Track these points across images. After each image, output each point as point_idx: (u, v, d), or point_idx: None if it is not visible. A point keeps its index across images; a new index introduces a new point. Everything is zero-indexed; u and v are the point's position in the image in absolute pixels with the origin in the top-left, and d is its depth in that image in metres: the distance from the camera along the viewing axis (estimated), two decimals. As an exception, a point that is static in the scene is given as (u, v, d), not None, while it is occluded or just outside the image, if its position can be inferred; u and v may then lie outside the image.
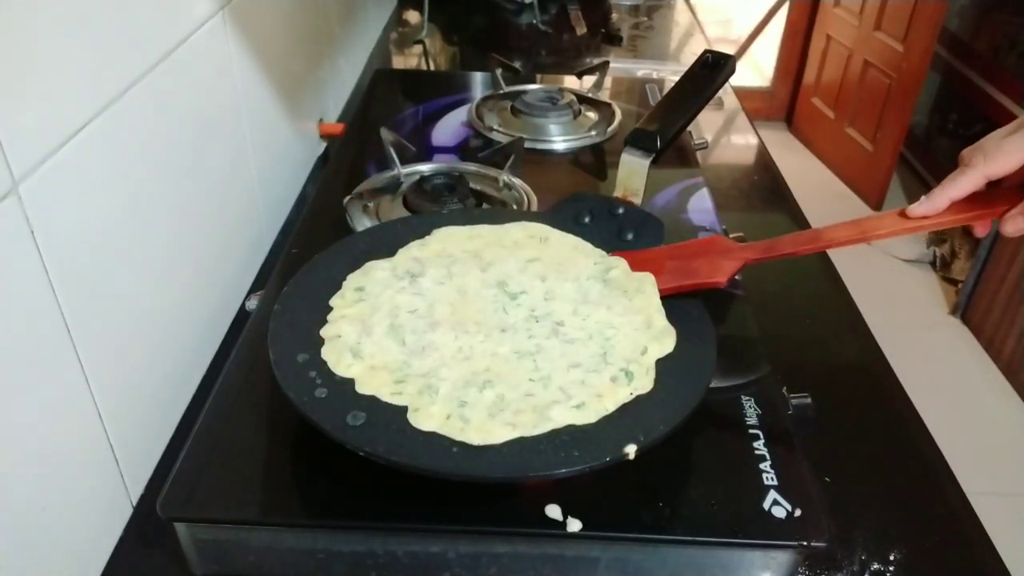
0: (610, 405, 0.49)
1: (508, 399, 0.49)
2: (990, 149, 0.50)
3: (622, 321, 0.56)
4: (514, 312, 0.57)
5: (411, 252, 0.64)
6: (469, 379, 0.50)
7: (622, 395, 0.50)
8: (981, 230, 0.54)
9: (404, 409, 0.48)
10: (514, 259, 0.62)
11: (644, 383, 0.51)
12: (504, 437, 0.46)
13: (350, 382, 0.50)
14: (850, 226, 0.57)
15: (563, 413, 0.48)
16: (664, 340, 0.54)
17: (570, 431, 0.47)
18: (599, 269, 0.61)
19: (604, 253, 0.63)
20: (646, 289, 0.58)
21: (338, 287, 0.59)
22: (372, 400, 0.49)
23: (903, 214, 0.55)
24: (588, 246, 0.65)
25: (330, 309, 0.57)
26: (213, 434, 0.52)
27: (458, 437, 0.47)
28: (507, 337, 0.54)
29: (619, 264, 0.62)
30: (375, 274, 0.60)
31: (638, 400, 0.50)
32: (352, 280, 0.60)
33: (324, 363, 0.51)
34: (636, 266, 0.61)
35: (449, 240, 0.65)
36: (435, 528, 0.48)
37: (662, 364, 0.53)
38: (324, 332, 0.55)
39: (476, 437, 0.46)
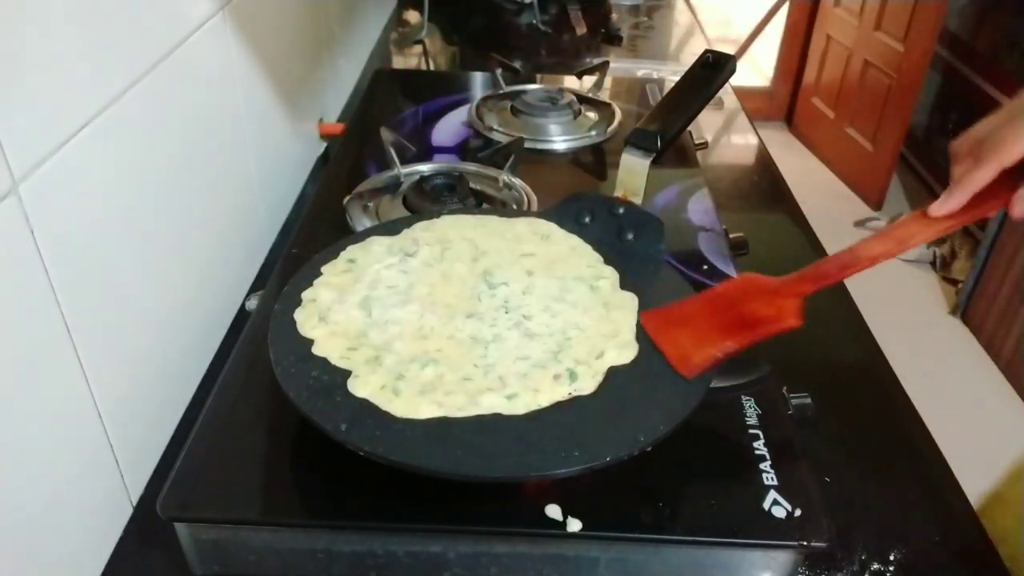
0: (543, 401, 0.49)
1: (446, 380, 0.50)
2: (998, 139, 0.50)
3: (590, 324, 0.56)
4: (487, 300, 0.58)
5: (414, 232, 0.65)
6: (416, 356, 0.52)
7: (559, 393, 0.50)
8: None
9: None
10: (509, 252, 0.63)
11: (587, 385, 0.51)
12: (428, 414, 0.48)
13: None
14: (884, 239, 0.55)
15: (492, 400, 0.48)
16: (624, 350, 0.53)
17: (570, 431, 0.47)
18: (590, 273, 0.61)
19: (600, 259, 0.63)
20: (627, 306, 0.58)
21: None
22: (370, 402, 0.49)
23: (925, 215, 0.54)
24: (588, 249, 0.65)
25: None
26: (213, 434, 0.52)
27: (384, 407, 0.48)
28: (470, 323, 0.55)
29: (610, 275, 0.62)
30: (372, 247, 0.62)
31: (638, 400, 0.50)
32: (349, 251, 0.62)
33: (325, 361, 0.51)
34: (668, 328, 0.55)
35: (454, 226, 0.66)
36: (435, 528, 0.48)
37: (661, 363, 0.53)
38: (304, 294, 0.57)
39: (401, 410, 0.48)
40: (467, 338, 0.54)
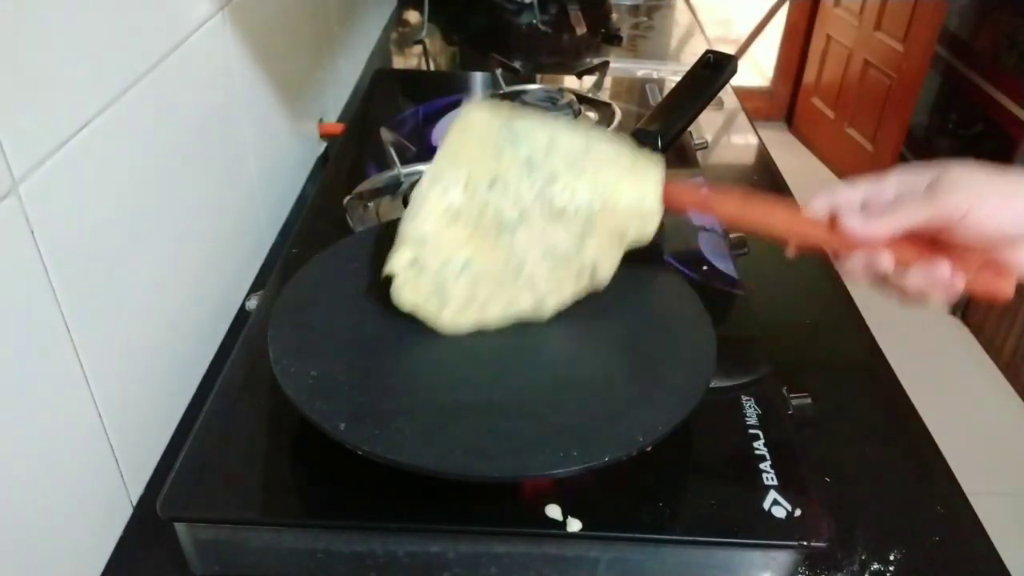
0: (567, 298, 0.56)
1: (481, 291, 0.54)
2: (964, 196, 0.42)
3: (616, 186, 0.52)
4: (510, 156, 0.54)
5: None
6: (447, 260, 0.54)
7: (581, 288, 0.55)
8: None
9: (401, 408, 0.48)
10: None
11: (605, 276, 0.55)
12: (469, 327, 0.54)
13: (349, 380, 0.50)
14: (788, 215, 0.50)
15: (525, 304, 0.55)
16: (648, 220, 0.53)
17: (569, 431, 0.47)
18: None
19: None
20: (653, 163, 0.54)
21: (343, 282, 0.60)
22: (369, 401, 0.49)
23: (834, 225, 0.46)
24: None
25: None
26: (213, 434, 0.52)
27: (432, 321, 0.54)
28: (494, 195, 0.53)
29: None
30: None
31: (638, 400, 0.50)
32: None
33: (323, 361, 0.51)
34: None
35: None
36: (435, 528, 0.48)
37: (661, 363, 0.53)
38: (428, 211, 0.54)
39: (448, 321, 0.54)
40: (492, 224, 0.54)
